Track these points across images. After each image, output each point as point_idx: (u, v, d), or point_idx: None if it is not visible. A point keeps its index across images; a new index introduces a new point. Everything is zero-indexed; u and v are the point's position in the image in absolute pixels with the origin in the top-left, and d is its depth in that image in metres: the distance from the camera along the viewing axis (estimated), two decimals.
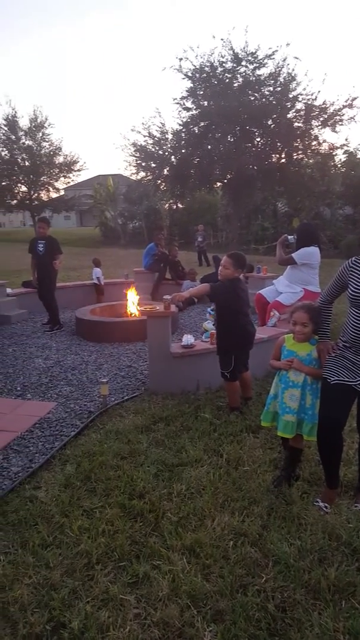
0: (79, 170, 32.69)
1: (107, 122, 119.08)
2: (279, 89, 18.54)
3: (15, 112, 29.99)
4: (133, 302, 7.34)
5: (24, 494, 2.86)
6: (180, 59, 19.34)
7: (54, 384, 4.88)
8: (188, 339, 4.56)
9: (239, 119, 18.70)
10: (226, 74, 18.93)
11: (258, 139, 20.14)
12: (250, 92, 18.64)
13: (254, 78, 18.72)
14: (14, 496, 2.85)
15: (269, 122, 19.18)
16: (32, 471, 3.12)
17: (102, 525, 2.53)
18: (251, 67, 18.72)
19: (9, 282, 9.10)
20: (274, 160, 20.15)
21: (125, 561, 2.29)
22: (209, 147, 19.63)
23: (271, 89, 18.73)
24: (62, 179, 32.77)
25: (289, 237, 5.59)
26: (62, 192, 35.10)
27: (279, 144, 19.56)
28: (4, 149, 30.50)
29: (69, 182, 33.82)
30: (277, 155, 20.31)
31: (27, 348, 6.22)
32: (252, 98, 18.70)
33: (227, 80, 18.85)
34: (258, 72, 18.77)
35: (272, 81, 18.62)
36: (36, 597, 2.09)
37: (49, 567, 2.26)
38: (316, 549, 2.36)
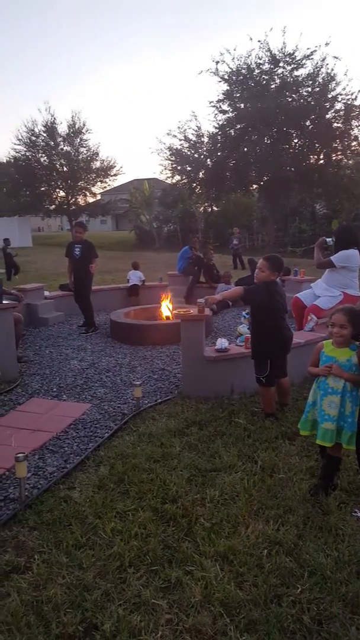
0: (115, 174, 33.15)
1: (144, 126, 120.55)
2: (318, 89, 18.28)
3: (54, 118, 30.62)
4: (167, 306, 7.36)
5: (58, 494, 2.90)
6: (217, 62, 19.37)
7: (88, 385, 4.94)
8: (222, 342, 4.52)
9: (276, 120, 18.55)
10: (263, 76, 18.81)
11: (295, 141, 19.91)
12: (287, 93, 18.46)
13: (291, 79, 18.53)
14: (49, 496, 2.89)
15: (307, 123, 18.93)
16: (67, 472, 3.16)
17: (135, 528, 2.52)
18: (289, 68, 18.54)
19: (47, 285, 9.30)
20: (312, 161, 19.87)
21: (157, 565, 2.28)
22: (245, 149, 19.54)
23: (309, 89, 18.49)
24: (98, 183, 33.32)
25: (327, 239, 5.46)
26: (98, 197, 35.67)
27: (317, 145, 19.27)
28: (43, 155, 31.27)
29: (105, 187, 34.34)
30: (315, 157, 20.01)
31: (63, 350, 6.33)
32: (290, 99, 18.52)
33: (265, 82, 18.73)
34: (296, 73, 18.57)
35: (311, 82, 18.38)
36: (69, 597, 2.11)
37: (82, 567, 2.28)
38: (354, 561, 2.28)
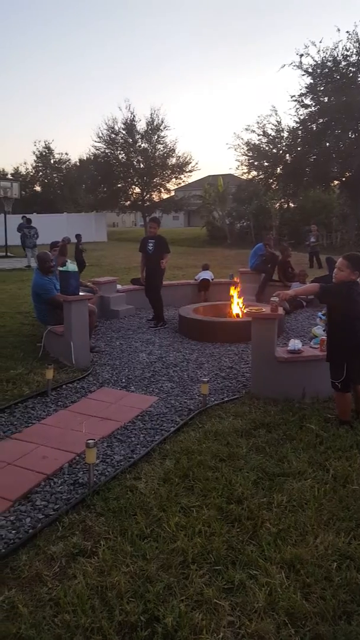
0: (190, 171, 33.20)
1: (221, 122, 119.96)
2: None
3: (134, 115, 31.26)
4: (237, 303, 7.27)
5: (124, 483, 2.95)
6: (301, 55, 18.83)
7: (156, 379, 5.00)
8: (295, 344, 4.37)
9: None
10: (350, 68, 17.99)
11: None
12: None
13: None
14: (116, 484, 2.94)
15: None
16: (134, 462, 3.21)
17: (199, 526, 2.51)
18: None
19: (119, 279, 9.55)
20: None
21: (220, 565, 2.25)
22: (327, 144, 18.84)
23: None
24: (173, 180, 33.60)
25: None
26: (172, 193, 36.04)
27: None
28: (122, 152, 32.10)
29: (180, 183, 34.59)
30: None
31: (133, 342, 6.45)
32: None
33: (351, 75, 17.90)
34: None
35: None
36: (132, 586, 2.13)
37: (145, 558, 2.30)
38: None
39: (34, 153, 41.79)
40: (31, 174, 40.77)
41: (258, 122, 21.54)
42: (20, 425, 3.84)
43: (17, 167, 41.46)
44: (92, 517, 2.63)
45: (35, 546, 2.41)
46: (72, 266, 5.69)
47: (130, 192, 33.52)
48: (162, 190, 34.00)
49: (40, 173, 40.67)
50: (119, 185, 32.95)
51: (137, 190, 33.10)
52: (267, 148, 21.49)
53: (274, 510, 2.64)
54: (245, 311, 6.78)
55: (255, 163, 22.14)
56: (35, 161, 40.36)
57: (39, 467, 3.17)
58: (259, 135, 21.49)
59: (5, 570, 2.25)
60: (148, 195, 32.95)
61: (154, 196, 33.70)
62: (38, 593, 2.11)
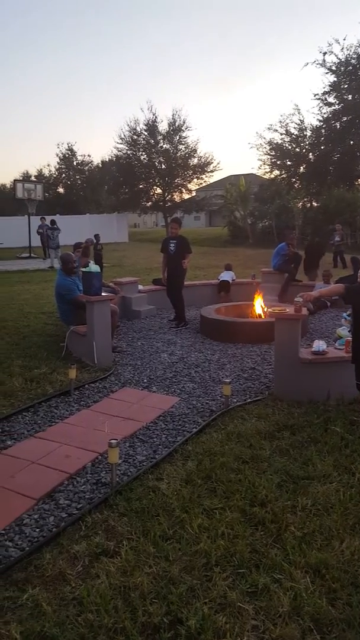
0: (212, 171, 33.14)
1: (244, 122, 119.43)
2: None
3: (156, 117, 31.39)
4: (259, 303, 7.20)
5: (147, 484, 2.95)
6: (324, 53, 18.61)
7: (177, 379, 4.99)
8: (319, 345, 4.31)
9: None
10: None
11: None
12: None
13: None
14: (138, 484, 2.95)
15: None
16: (156, 462, 3.21)
17: (222, 528, 2.48)
18: None
19: (141, 279, 9.59)
20: None
21: (244, 569, 2.22)
22: (352, 142, 18.56)
23: None
24: (195, 180, 33.60)
25: None
26: (193, 193, 36.02)
27: None
28: (143, 153, 32.26)
29: (201, 184, 34.55)
30: None
31: (154, 343, 6.46)
32: None
33: None
34: None
35: None
36: (155, 587, 2.13)
37: (168, 560, 2.29)
38: None
39: (57, 155, 42.36)
40: (54, 175, 41.31)
41: (281, 121, 21.43)
42: (43, 424, 3.89)
43: (41, 169, 42.08)
44: (115, 517, 2.64)
45: (59, 545, 2.43)
46: (94, 267, 5.74)
47: (151, 193, 33.66)
48: (184, 190, 34.06)
49: (63, 175, 41.16)
50: (141, 186, 33.12)
51: (159, 190, 33.22)
52: (290, 147, 21.35)
53: (299, 513, 2.60)
54: (268, 311, 6.72)
55: (278, 162, 22.02)
56: (58, 163, 40.88)
57: (63, 466, 3.20)
58: (281, 134, 21.38)
59: (29, 568, 2.27)
60: (169, 196, 33.02)
61: (175, 196, 33.76)
62: (61, 592, 2.12)
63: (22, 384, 4.75)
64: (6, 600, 2.08)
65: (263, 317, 6.97)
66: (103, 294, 5.68)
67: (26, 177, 39.10)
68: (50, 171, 41.63)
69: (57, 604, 2.05)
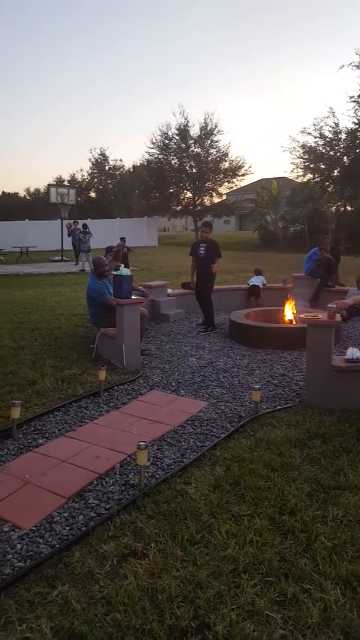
0: (243, 175, 32.97)
1: (276, 125, 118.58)
2: None
3: (188, 121, 31.50)
4: (291, 309, 7.12)
5: (175, 487, 2.95)
6: None
7: (206, 383, 4.98)
8: (353, 352, 4.22)
9: None
10: None
11: None
12: None
13: None
14: (166, 487, 2.95)
15: None
16: (184, 466, 3.21)
17: (250, 535, 2.47)
18: None
19: (170, 282, 9.63)
20: None
21: (272, 577, 2.20)
22: None
23: None
24: (225, 184, 33.52)
25: None
26: (224, 197, 35.94)
27: None
28: (174, 157, 32.41)
29: (232, 187, 34.44)
30: None
31: (182, 346, 6.47)
32: None
33: None
34: None
35: None
36: (182, 591, 2.13)
37: (196, 564, 2.29)
38: None
39: (89, 160, 43.18)
40: (87, 180, 42.07)
41: (315, 124, 21.18)
42: (74, 424, 3.95)
43: (74, 174, 42.99)
44: (143, 518, 2.65)
45: (88, 544, 2.46)
46: (125, 270, 5.80)
47: (181, 197, 33.76)
48: (214, 194, 33.99)
49: (95, 180, 41.87)
50: (171, 190, 33.26)
51: (189, 194, 33.29)
52: (323, 150, 21.05)
53: (329, 524, 2.56)
54: (299, 317, 6.64)
55: (311, 165, 21.74)
56: (90, 168, 41.64)
57: (92, 465, 3.24)
58: (315, 137, 21.10)
59: (59, 565, 2.31)
60: (199, 200, 33.04)
61: (205, 200, 33.76)
62: (90, 590, 2.15)
63: (54, 383, 4.84)
64: (37, 595, 2.12)
65: (294, 322, 6.89)
66: (133, 297, 5.74)
67: (60, 182, 39.98)
68: (82, 176, 42.50)
69: (85, 602, 2.08)
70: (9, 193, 52.54)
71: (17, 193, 52.51)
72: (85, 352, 5.97)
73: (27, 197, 51.39)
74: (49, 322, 7.83)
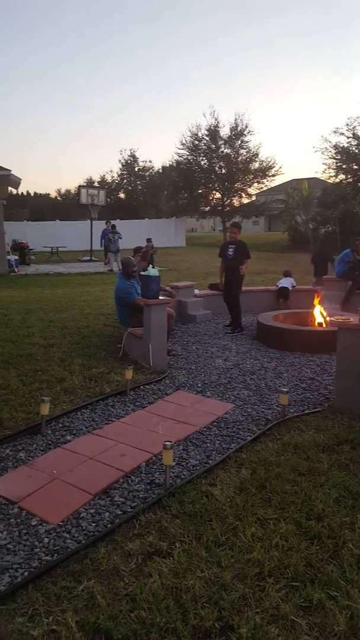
0: (273, 175, 32.59)
1: (308, 125, 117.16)
2: None
3: (218, 122, 31.37)
4: (320, 311, 7.02)
5: (200, 488, 2.95)
6: None
7: (232, 385, 4.96)
8: None
9: None
10: None
11: None
12: None
13: None
14: (191, 488, 2.95)
15: None
16: (209, 467, 3.20)
17: (276, 539, 2.44)
18: None
19: (197, 283, 9.63)
20: None
21: (298, 582, 2.17)
22: None
23: None
24: (255, 184, 33.24)
25: None
26: (253, 198, 35.67)
27: None
28: (204, 158, 32.37)
29: (261, 188, 34.14)
30: None
31: (209, 348, 6.46)
32: None
33: None
34: None
35: None
36: (207, 592, 2.13)
37: (220, 566, 2.28)
38: None
39: (119, 161, 43.63)
40: (116, 181, 42.50)
41: (348, 125, 20.82)
42: (101, 422, 4.00)
43: (104, 175, 43.50)
44: (168, 518, 2.66)
45: (113, 541, 2.48)
46: (153, 271, 5.84)
47: (210, 198, 33.69)
48: (243, 195, 33.76)
49: (125, 181, 42.26)
50: (200, 191, 33.24)
51: (218, 195, 33.17)
52: (356, 150, 20.66)
53: (358, 531, 2.51)
54: (330, 320, 6.53)
55: (344, 166, 21.37)
56: (120, 169, 42.06)
57: (118, 463, 3.28)
58: (348, 137, 20.74)
59: (85, 560, 2.34)
60: (228, 201, 32.88)
61: (234, 201, 33.57)
62: (115, 587, 2.17)
63: (82, 381, 4.91)
64: (63, 589, 2.16)
65: (324, 326, 6.79)
66: (160, 297, 5.77)
67: (90, 183, 40.51)
68: (112, 177, 42.95)
69: (110, 598, 2.10)
70: (40, 194, 53.72)
71: (49, 194, 53.61)
72: (113, 351, 6.03)
73: (58, 198, 52.38)
74: (78, 321, 7.95)
